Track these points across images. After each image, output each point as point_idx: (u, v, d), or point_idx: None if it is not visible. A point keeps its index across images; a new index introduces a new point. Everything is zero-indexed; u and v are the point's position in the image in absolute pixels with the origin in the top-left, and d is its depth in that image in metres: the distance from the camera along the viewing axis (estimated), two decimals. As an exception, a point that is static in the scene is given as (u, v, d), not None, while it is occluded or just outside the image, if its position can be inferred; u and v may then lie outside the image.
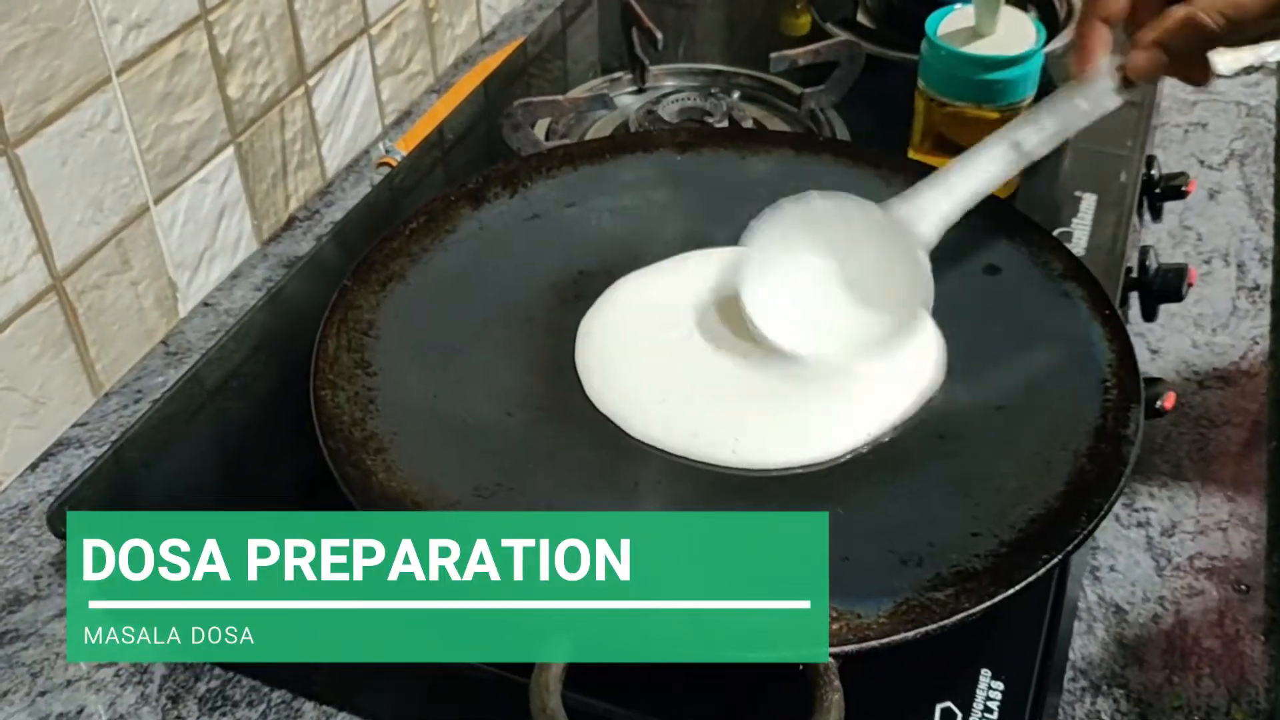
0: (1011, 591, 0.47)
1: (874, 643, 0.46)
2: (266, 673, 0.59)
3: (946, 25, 0.74)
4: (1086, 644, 0.60)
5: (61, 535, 0.57)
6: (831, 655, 0.45)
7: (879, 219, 0.59)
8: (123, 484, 0.59)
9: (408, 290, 0.62)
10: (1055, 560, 0.48)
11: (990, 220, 0.66)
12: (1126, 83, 0.58)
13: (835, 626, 0.46)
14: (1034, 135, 0.59)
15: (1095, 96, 0.59)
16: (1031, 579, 0.48)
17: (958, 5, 0.74)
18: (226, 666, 0.60)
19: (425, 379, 0.58)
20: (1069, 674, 0.59)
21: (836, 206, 0.60)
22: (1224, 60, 1.01)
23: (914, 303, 0.58)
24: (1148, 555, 0.65)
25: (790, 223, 0.60)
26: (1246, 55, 1.01)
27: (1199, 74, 0.58)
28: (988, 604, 0.47)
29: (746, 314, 0.60)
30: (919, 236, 0.58)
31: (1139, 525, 0.66)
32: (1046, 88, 0.76)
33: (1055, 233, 0.72)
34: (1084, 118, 0.59)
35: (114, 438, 0.71)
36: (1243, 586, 0.63)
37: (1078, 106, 0.59)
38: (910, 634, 0.46)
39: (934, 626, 0.46)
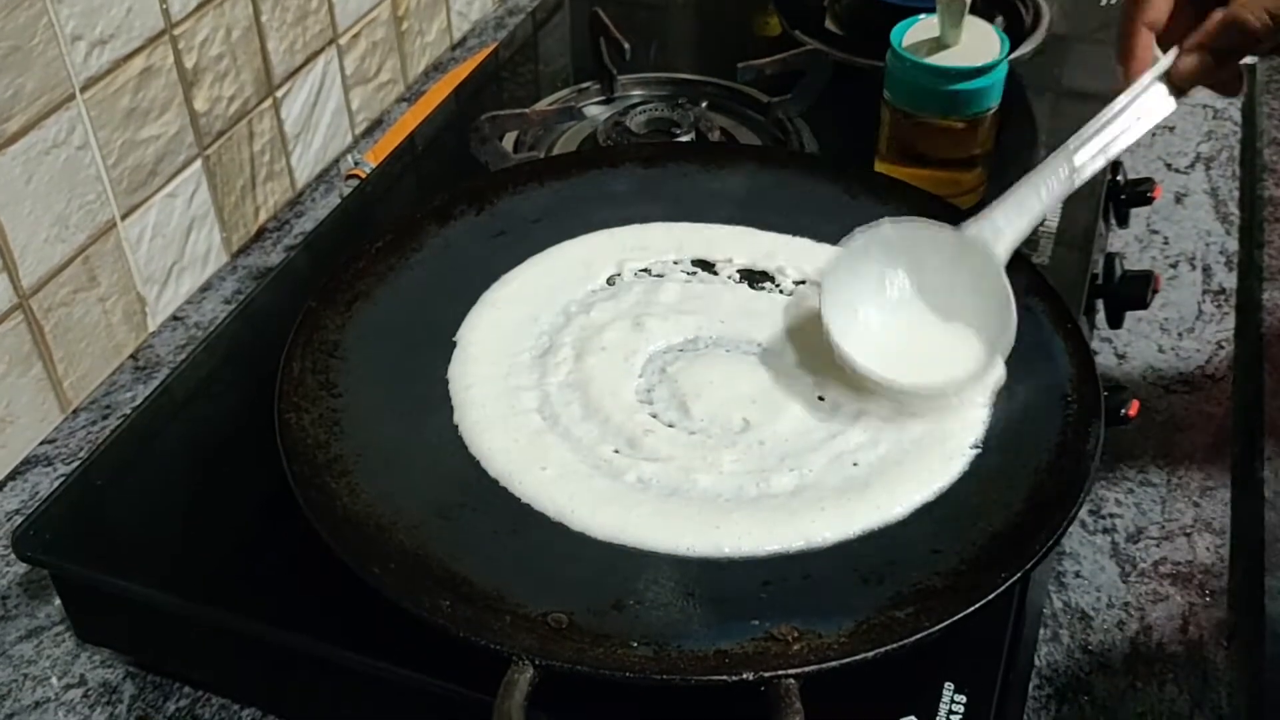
0: (971, 610, 0.48)
1: (834, 663, 0.46)
2: (236, 691, 0.60)
3: (911, 36, 0.74)
4: (1051, 651, 0.61)
5: (27, 558, 0.57)
6: (792, 675, 0.45)
7: (954, 238, 0.60)
8: (91, 503, 0.59)
9: (374, 310, 0.62)
10: (1015, 578, 0.49)
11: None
12: (1174, 90, 0.58)
13: (796, 647, 0.47)
14: (1088, 153, 0.59)
15: (1142, 108, 0.59)
16: (991, 597, 0.48)
17: (923, 16, 0.74)
18: (196, 684, 0.60)
19: (390, 400, 0.58)
20: (1034, 681, 0.59)
21: (911, 229, 0.60)
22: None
23: (998, 324, 0.58)
24: (1113, 561, 0.65)
25: (868, 246, 0.60)
26: (1213, 58, 1.01)
27: (1233, 84, 0.59)
28: (947, 622, 0.47)
29: (838, 350, 0.58)
30: (994, 254, 0.58)
31: (1104, 531, 0.67)
32: (1011, 98, 0.76)
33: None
34: (1134, 131, 0.59)
35: (83, 455, 0.71)
36: (1207, 592, 0.64)
37: (1126, 121, 0.59)
38: (870, 653, 0.46)
39: (894, 645, 0.47)
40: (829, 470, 0.56)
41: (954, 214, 0.69)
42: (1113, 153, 0.60)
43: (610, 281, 0.66)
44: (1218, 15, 0.56)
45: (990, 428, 0.57)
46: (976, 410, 0.58)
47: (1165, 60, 0.58)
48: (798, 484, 0.55)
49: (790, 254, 0.68)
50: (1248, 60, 1.01)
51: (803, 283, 0.67)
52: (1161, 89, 0.58)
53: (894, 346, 0.59)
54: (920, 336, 0.60)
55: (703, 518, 0.53)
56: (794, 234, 0.69)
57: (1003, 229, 0.59)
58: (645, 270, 0.67)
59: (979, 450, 0.56)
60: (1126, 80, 0.59)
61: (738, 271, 0.68)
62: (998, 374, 0.58)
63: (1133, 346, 0.79)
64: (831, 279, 0.60)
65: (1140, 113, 0.59)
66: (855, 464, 0.56)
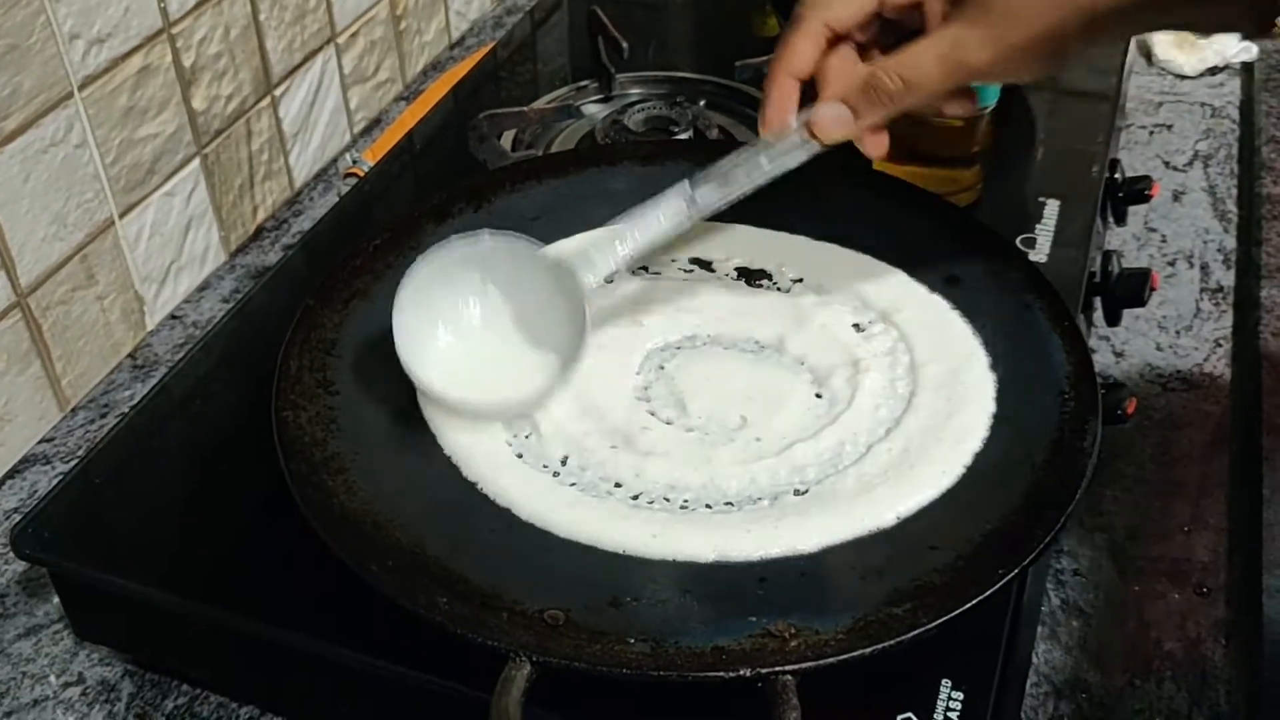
0: (968, 606, 0.48)
1: (831, 659, 0.46)
2: (234, 689, 0.60)
3: (909, 33, 0.74)
4: (1049, 648, 0.61)
5: (25, 556, 0.57)
6: (789, 672, 0.45)
7: (548, 261, 0.59)
8: (90, 501, 0.59)
9: (371, 308, 0.62)
10: (1011, 575, 0.49)
11: (951, 231, 0.67)
12: (815, 140, 0.57)
13: (793, 643, 0.47)
14: (712, 192, 0.58)
15: (778, 154, 0.57)
16: (987, 594, 0.48)
17: (920, 13, 0.74)
18: (194, 682, 0.60)
19: (387, 398, 0.58)
20: (1031, 678, 0.59)
21: (506, 245, 0.59)
22: (1189, 61, 1.02)
23: (576, 344, 0.57)
24: (1111, 559, 0.65)
25: (455, 260, 0.58)
26: (1211, 56, 1.02)
27: (878, 143, 0.57)
28: (944, 619, 0.47)
29: (401, 357, 0.56)
30: (582, 281, 0.57)
31: (1102, 529, 0.67)
32: (1009, 95, 0.76)
33: (1019, 239, 0.72)
34: (765, 175, 0.58)
35: (81, 453, 0.71)
36: (1204, 589, 0.64)
37: (759, 164, 0.58)
38: (867, 650, 0.46)
39: (891, 642, 0.47)
40: (827, 471, 0.55)
41: (952, 211, 0.69)
42: (734, 196, 0.59)
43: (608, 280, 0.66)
44: (861, 71, 0.55)
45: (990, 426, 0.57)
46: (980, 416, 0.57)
47: (808, 110, 0.57)
48: (796, 487, 0.55)
49: (788, 252, 0.68)
50: (1244, 57, 1.02)
51: (800, 280, 0.67)
52: (800, 134, 0.57)
53: (470, 365, 0.58)
54: (500, 355, 0.59)
55: (697, 530, 0.52)
56: (791, 232, 0.69)
57: (593, 257, 0.58)
58: (643, 268, 0.67)
59: (980, 450, 0.56)
60: (765, 126, 0.58)
61: (735, 269, 0.68)
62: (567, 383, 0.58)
63: (1131, 344, 0.79)
64: (410, 288, 0.57)
65: (772, 158, 0.58)
66: (851, 467, 0.56)
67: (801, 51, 0.57)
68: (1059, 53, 0.52)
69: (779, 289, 0.67)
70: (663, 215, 0.59)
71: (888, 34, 0.57)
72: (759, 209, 0.70)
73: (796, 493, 0.54)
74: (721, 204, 0.59)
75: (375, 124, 0.98)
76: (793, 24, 0.57)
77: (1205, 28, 0.57)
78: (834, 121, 0.56)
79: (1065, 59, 0.52)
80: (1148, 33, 1.01)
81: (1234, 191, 0.91)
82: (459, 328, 0.59)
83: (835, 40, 0.57)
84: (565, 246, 0.63)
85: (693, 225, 0.60)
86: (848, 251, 0.67)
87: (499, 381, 0.58)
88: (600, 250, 0.58)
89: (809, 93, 0.58)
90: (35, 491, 0.70)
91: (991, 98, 0.74)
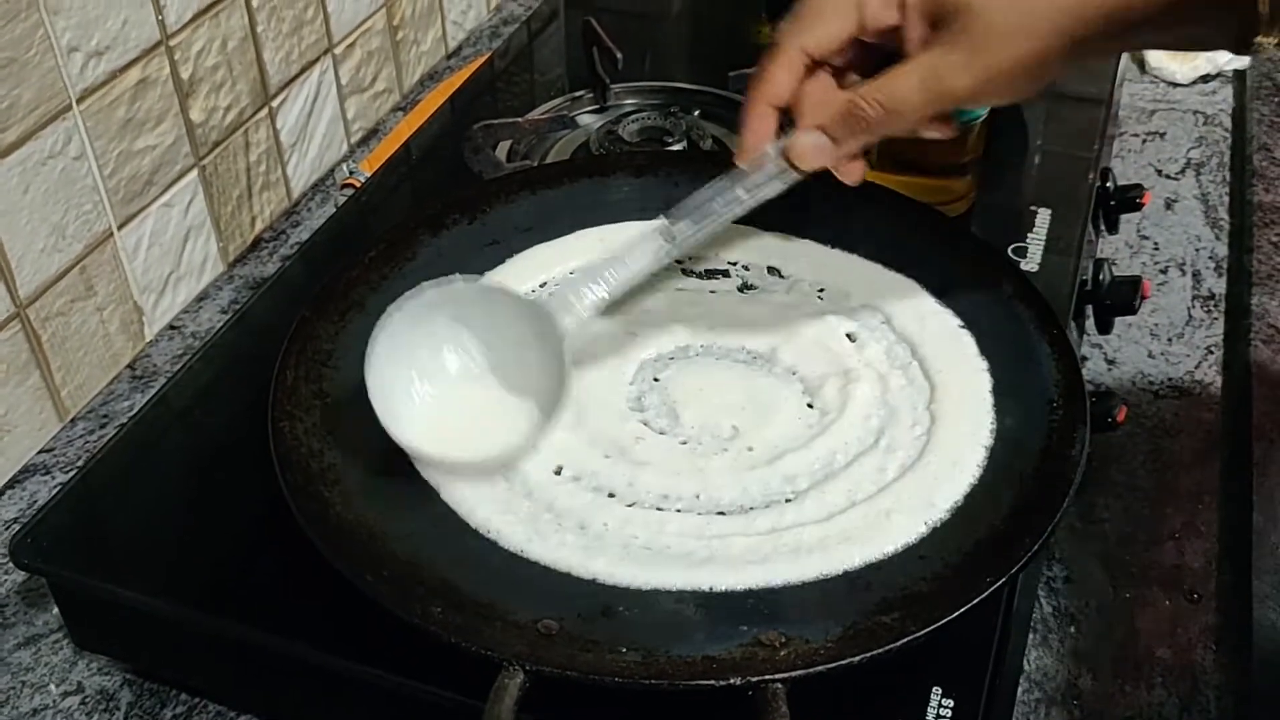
0: (956, 614, 0.48)
1: (821, 668, 0.46)
2: (232, 698, 0.60)
3: (901, 44, 0.74)
4: (1041, 655, 0.61)
5: (25, 566, 0.57)
6: (779, 681, 0.46)
7: (524, 306, 0.57)
8: (89, 511, 0.60)
9: (367, 319, 0.62)
10: (1000, 583, 0.49)
11: (941, 240, 0.68)
12: (793, 168, 0.56)
13: (783, 652, 0.47)
14: (689, 227, 0.58)
15: (755, 185, 0.57)
16: (976, 602, 0.48)
17: (912, 24, 0.75)
18: (193, 691, 0.61)
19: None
20: (1023, 685, 0.60)
21: (481, 293, 0.58)
22: (1182, 69, 1.02)
23: (556, 391, 0.55)
24: (1102, 566, 0.66)
25: (432, 307, 0.56)
26: (1203, 64, 1.02)
27: (854, 170, 0.57)
28: (933, 627, 0.48)
29: (381, 418, 0.54)
30: (560, 325, 0.56)
31: (1094, 536, 0.67)
32: (998, 107, 0.77)
33: (1010, 248, 0.73)
34: (742, 206, 0.58)
35: (80, 463, 0.72)
36: (1195, 595, 0.64)
37: (737, 196, 0.57)
38: (857, 658, 0.47)
39: (881, 650, 0.47)
40: (819, 492, 0.56)
41: (943, 221, 0.70)
42: (713, 228, 0.58)
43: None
44: (840, 98, 0.54)
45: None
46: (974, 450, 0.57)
47: (785, 139, 0.56)
48: (787, 496, 0.56)
49: (783, 258, 0.69)
50: (1236, 65, 1.02)
51: (799, 282, 0.67)
52: (779, 164, 0.56)
53: (452, 417, 0.56)
54: (480, 406, 0.57)
55: (685, 563, 0.52)
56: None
57: (570, 300, 0.57)
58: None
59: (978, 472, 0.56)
60: (741, 156, 0.57)
61: (728, 273, 0.68)
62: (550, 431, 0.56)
63: (1122, 352, 0.79)
64: (383, 340, 0.54)
65: (749, 189, 0.57)
66: (839, 481, 0.56)
67: (779, 79, 0.56)
68: (1041, 75, 0.51)
69: (771, 298, 0.67)
70: (641, 254, 0.58)
71: (865, 58, 0.56)
72: (754, 213, 0.71)
73: (789, 524, 0.54)
74: (700, 237, 0.59)
75: (372, 134, 0.98)
76: (769, 52, 0.57)
77: (1189, 46, 0.57)
78: (813, 150, 0.55)
79: (1046, 80, 0.52)
80: (1131, 52, 1.01)
81: (1226, 199, 0.91)
82: (435, 379, 0.57)
83: (813, 67, 0.56)
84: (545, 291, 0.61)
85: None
86: (853, 258, 0.68)
87: (480, 434, 0.56)
88: (577, 292, 0.57)
89: (784, 121, 0.57)
90: (35, 501, 0.70)
91: (981, 109, 0.74)
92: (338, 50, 0.92)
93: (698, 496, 0.55)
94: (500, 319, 0.57)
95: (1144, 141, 0.97)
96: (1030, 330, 0.61)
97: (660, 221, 0.59)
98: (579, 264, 0.66)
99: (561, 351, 0.55)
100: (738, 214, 0.58)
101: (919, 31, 0.53)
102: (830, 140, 0.55)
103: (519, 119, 0.84)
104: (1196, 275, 0.85)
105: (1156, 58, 1.04)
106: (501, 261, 0.68)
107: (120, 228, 0.76)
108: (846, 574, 0.52)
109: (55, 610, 0.63)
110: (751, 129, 0.57)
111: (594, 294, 0.57)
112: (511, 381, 0.57)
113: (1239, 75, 1.03)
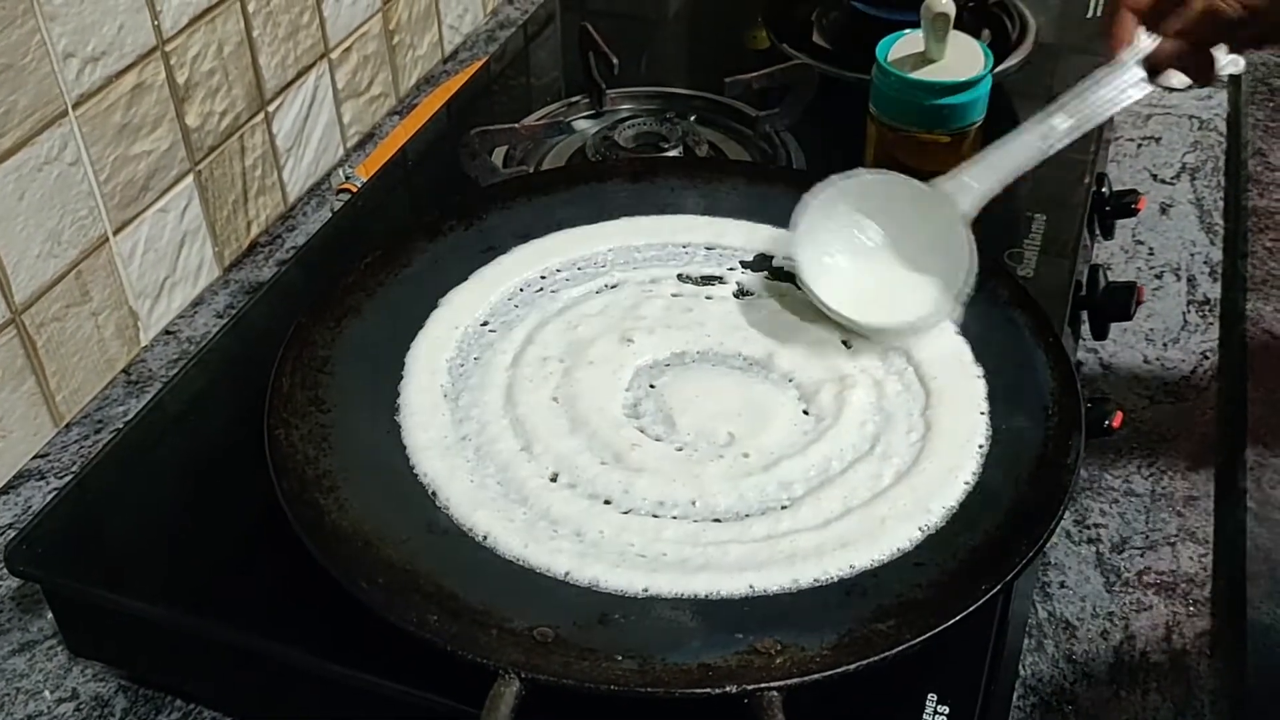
0: (952, 622, 0.48)
1: (817, 675, 0.46)
2: (228, 705, 0.60)
3: (897, 50, 0.75)
4: (1036, 661, 0.61)
5: (19, 573, 0.57)
6: (775, 688, 0.46)
7: (924, 192, 0.64)
8: (84, 517, 0.59)
9: (363, 325, 0.63)
10: (995, 590, 0.49)
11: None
12: (1151, 73, 0.61)
13: (779, 660, 0.47)
14: (1063, 122, 0.63)
15: (1120, 86, 0.62)
16: (971, 609, 0.48)
17: (908, 31, 0.75)
18: (188, 698, 0.60)
19: (378, 416, 0.59)
20: (1018, 691, 0.60)
21: (884, 182, 0.65)
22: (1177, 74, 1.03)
23: (958, 272, 0.62)
24: (1097, 571, 0.66)
25: (840, 196, 0.64)
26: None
27: (1206, 71, 0.60)
28: (929, 634, 0.48)
29: (805, 284, 0.64)
30: (959, 208, 0.63)
31: (1089, 541, 0.67)
32: (996, 112, 0.77)
33: (1006, 254, 0.73)
34: (1110, 106, 0.63)
35: (75, 469, 0.72)
36: (1190, 601, 0.64)
37: (1103, 96, 0.62)
38: (853, 666, 0.47)
39: (876, 658, 0.47)
40: (815, 498, 0.56)
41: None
42: (1086, 126, 0.63)
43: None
44: (1199, 3, 0.57)
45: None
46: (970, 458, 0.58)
47: (1146, 43, 0.60)
48: (783, 503, 0.56)
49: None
50: (1233, 71, 1.02)
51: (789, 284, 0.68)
52: (1139, 71, 0.61)
53: (861, 290, 0.64)
54: (886, 281, 0.64)
55: (680, 570, 0.53)
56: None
57: (970, 185, 0.63)
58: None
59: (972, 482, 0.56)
60: (1108, 57, 0.61)
61: (724, 279, 0.68)
62: (954, 314, 0.63)
63: (1118, 357, 0.79)
64: (805, 222, 0.64)
65: (1117, 90, 0.62)
66: (843, 500, 0.56)
67: None
68: None
69: (768, 303, 0.67)
70: (1019, 146, 0.64)
71: None
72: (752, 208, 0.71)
73: (783, 532, 0.54)
74: (1074, 136, 0.63)
75: (368, 139, 0.98)
76: None
77: None
78: (1171, 51, 0.59)
79: None
80: None
81: (1221, 204, 0.91)
82: (851, 253, 0.64)
83: None
84: (935, 180, 0.65)
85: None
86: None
87: (890, 303, 0.63)
88: (973, 179, 0.63)
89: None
90: (29, 507, 0.70)
91: (979, 113, 0.75)
92: (334, 55, 0.92)
93: (694, 503, 0.55)
94: (903, 207, 0.64)
95: (1139, 146, 0.97)
96: (1025, 336, 0.61)
97: (1039, 116, 0.63)
98: (568, 259, 0.68)
99: (962, 231, 0.62)
100: (1105, 116, 0.63)
101: None
102: (1188, 44, 0.59)
103: (515, 124, 0.84)
104: (1191, 280, 0.85)
105: (1152, 63, 1.04)
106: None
107: (116, 233, 0.76)
108: (842, 581, 0.52)
109: (50, 616, 0.63)
110: (1116, 32, 0.61)
111: (983, 182, 0.63)
112: (914, 259, 0.64)
113: (1234, 80, 1.03)
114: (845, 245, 0.65)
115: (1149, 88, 0.62)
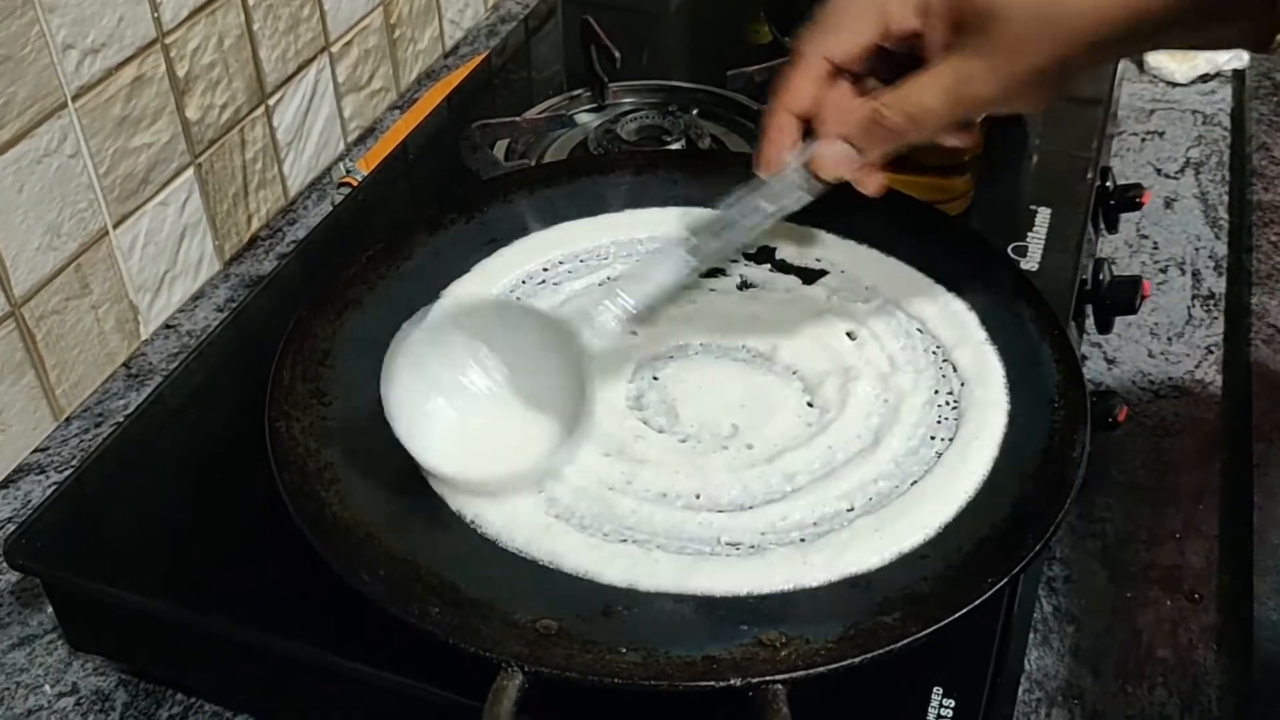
0: (957, 615, 0.48)
1: (822, 668, 0.46)
2: (229, 698, 0.60)
3: (900, 42, 0.74)
4: (1042, 655, 0.61)
5: (19, 567, 0.57)
6: (779, 681, 0.45)
7: (543, 321, 0.56)
8: (84, 511, 0.59)
9: (364, 318, 0.62)
10: (1001, 583, 0.49)
11: (942, 239, 0.67)
12: (816, 179, 0.56)
13: (784, 652, 0.47)
14: (712, 241, 0.58)
15: (777, 195, 0.57)
16: (977, 602, 0.48)
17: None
18: (188, 692, 0.60)
19: (379, 408, 0.58)
20: (1024, 685, 0.60)
21: (498, 308, 0.58)
22: (1181, 68, 1.02)
23: (578, 409, 0.54)
24: (1103, 566, 0.66)
25: (447, 325, 0.55)
26: (1202, 63, 1.02)
27: (873, 181, 0.56)
28: (934, 628, 0.47)
29: (399, 436, 0.54)
30: (582, 340, 0.55)
31: (1094, 536, 0.67)
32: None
33: (1010, 247, 0.73)
34: (767, 218, 0.57)
35: (75, 463, 0.71)
36: (1196, 595, 0.64)
37: (759, 207, 0.57)
38: (858, 659, 0.46)
39: (881, 651, 0.47)
40: (820, 495, 0.55)
41: (942, 220, 0.70)
42: (737, 242, 0.58)
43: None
44: (863, 109, 0.54)
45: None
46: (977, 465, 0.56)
47: (807, 149, 0.56)
48: (787, 494, 0.55)
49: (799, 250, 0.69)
50: (1235, 64, 1.02)
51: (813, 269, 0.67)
52: (799, 177, 0.56)
53: (465, 434, 0.55)
54: (498, 423, 0.56)
55: (680, 565, 0.52)
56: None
57: (594, 318, 0.56)
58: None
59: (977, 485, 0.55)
60: (763, 166, 0.57)
61: (727, 271, 0.68)
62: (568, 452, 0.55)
63: (1122, 351, 0.79)
64: (404, 357, 0.54)
65: (771, 199, 0.57)
66: (847, 500, 0.55)
67: (801, 88, 0.56)
68: (1064, 79, 0.51)
69: (772, 295, 0.67)
70: (664, 268, 0.58)
71: (885, 65, 0.56)
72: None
73: (789, 527, 0.54)
74: (724, 250, 0.58)
75: (369, 133, 0.98)
76: (791, 61, 0.56)
77: (1206, 45, 0.57)
78: (835, 159, 0.55)
79: (1069, 86, 0.51)
80: (1150, 52, 1.01)
81: (1225, 198, 0.91)
82: (456, 398, 0.56)
83: (834, 75, 0.56)
84: (566, 305, 0.62)
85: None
86: (872, 251, 0.68)
87: (502, 453, 0.55)
88: (599, 307, 0.56)
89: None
90: (29, 501, 0.70)
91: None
92: (334, 48, 0.92)
93: (697, 495, 0.55)
94: (520, 335, 0.56)
95: (1143, 141, 0.97)
96: (1030, 330, 0.61)
97: (684, 238, 0.58)
98: (570, 251, 0.67)
99: (583, 368, 0.54)
100: (761, 225, 0.58)
101: (941, 37, 0.52)
102: (853, 149, 0.55)
103: (516, 118, 0.84)
104: (1196, 274, 0.85)
105: (1155, 57, 1.04)
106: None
107: (116, 226, 0.75)
108: (847, 574, 0.51)
109: (50, 611, 0.63)
110: (772, 139, 0.57)
111: (616, 308, 0.56)
112: (533, 399, 0.56)
113: (1238, 75, 1.03)
114: (452, 384, 0.55)
115: (811, 195, 0.56)
